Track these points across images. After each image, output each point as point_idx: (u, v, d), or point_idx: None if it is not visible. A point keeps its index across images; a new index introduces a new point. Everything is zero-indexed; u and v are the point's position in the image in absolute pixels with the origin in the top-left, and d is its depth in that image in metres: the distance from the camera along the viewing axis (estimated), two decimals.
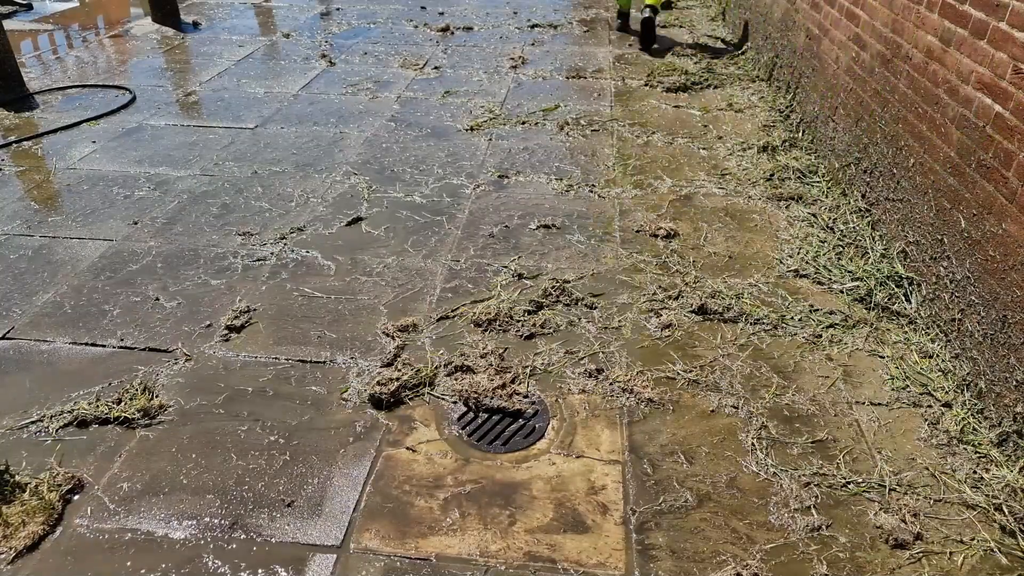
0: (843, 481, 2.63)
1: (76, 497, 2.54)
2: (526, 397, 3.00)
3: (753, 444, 2.78)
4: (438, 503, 2.53)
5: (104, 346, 3.27)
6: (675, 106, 6.06)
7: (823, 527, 2.45)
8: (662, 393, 3.03)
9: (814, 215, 4.32)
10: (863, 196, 4.19)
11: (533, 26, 8.42)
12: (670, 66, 6.80)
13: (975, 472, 2.64)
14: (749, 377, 3.12)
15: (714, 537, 2.42)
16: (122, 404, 2.90)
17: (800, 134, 5.33)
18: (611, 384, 3.07)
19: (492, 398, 2.96)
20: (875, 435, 2.84)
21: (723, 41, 7.62)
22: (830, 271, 3.78)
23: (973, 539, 2.41)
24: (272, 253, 3.98)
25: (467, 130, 5.60)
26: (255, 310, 3.51)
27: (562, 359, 3.22)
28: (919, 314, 3.40)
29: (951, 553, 2.37)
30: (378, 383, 3.01)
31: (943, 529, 2.45)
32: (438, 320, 3.46)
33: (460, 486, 2.60)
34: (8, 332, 3.35)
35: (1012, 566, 2.33)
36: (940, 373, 3.10)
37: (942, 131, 3.35)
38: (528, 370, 3.15)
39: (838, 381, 3.11)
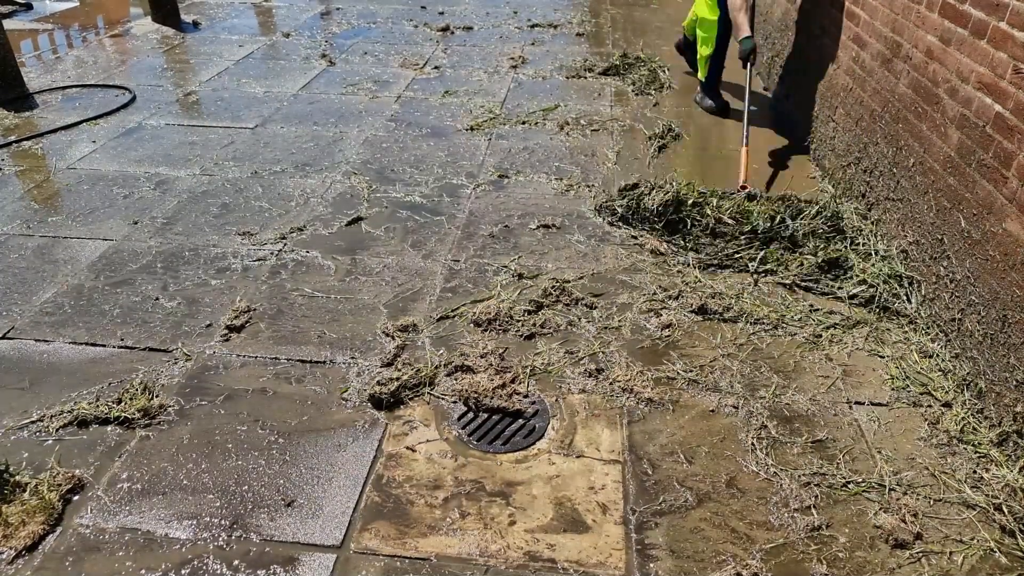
0: (843, 481, 2.63)
1: (76, 497, 2.54)
2: (526, 397, 3.00)
3: (753, 444, 2.78)
4: (438, 503, 2.53)
5: (104, 346, 3.27)
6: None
7: (823, 527, 2.45)
8: (662, 393, 3.03)
9: None
10: (863, 196, 4.19)
11: (533, 26, 8.42)
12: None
13: (975, 472, 2.64)
14: (749, 377, 3.12)
15: (714, 537, 2.42)
16: (122, 404, 2.90)
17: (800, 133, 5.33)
18: (611, 384, 3.07)
19: (492, 398, 2.96)
20: (875, 435, 2.84)
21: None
22: None
23: (973, 539, 2.41)
24: (272, 253, 3.98)
25: (467, 130, 5.60)
26: (255, 310, 3.51)
27: (562, 359, 3.22)
28: (919, 314, 3.40)
29: (951, 553, 2.37)
30: (378, 383, 3.01)
31: (943, 529, 2.45)
32: (438, 320, 3.46)
33: (460, 486, 2.60)
34: (8, 332, 3.35)
35: (1012, 566, 2.33)
36: (940, 373, 3.10)
37: (942, 131, 3.35)
38: (528, 370, 3.15)
39: (838, 381, 3.11)
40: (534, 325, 3.39)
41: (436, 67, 7.02)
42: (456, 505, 2.53)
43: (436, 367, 3.14)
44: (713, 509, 2.52)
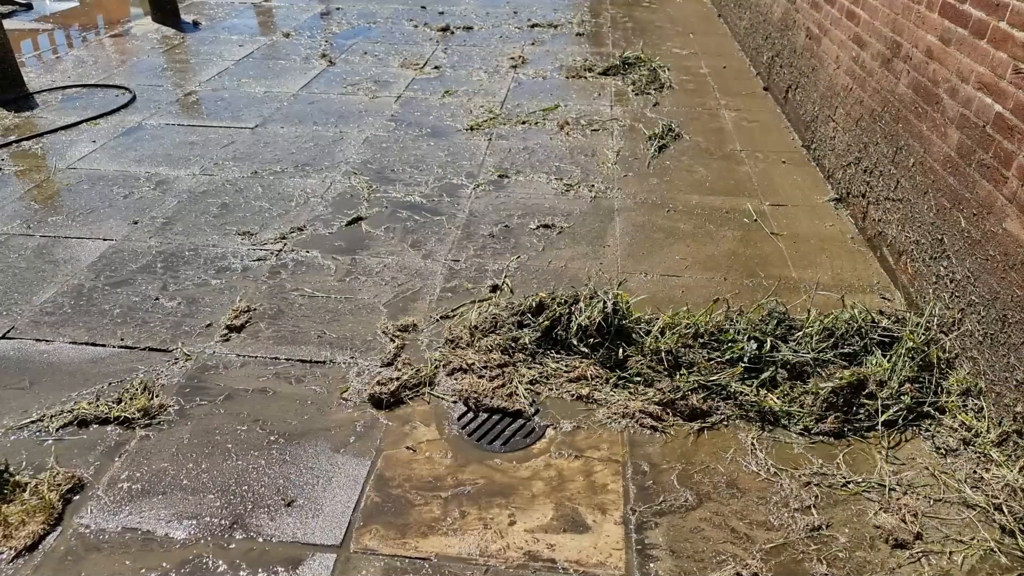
0: (843, 481, 2.63)
1: (76, 497, 2.53)
2: (526, 397, 3.00)
3: (753, 444, 2.78)
4: (438, 503, 2.53)
5: (104, 346, 3.27)
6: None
7: (823, 527, 2.45)
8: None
9: None
10: (863, 196, 4.19)
11: (533, 26, 8.42)
12: None
13: (975, 472, 2.64)
14: None
15: (714, 537, 2.42)
16: (122, 404, 2.90)
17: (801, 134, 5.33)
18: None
19: (492, 398, 2.96)
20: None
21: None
22: None
23: (973, 539, 2.41)
24: (272, 253, 3.98)
25: (467, 130, 5.60)
26: (255, 310, 3.51)
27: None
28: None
29: (951, 553, 2.37)
30: (378, 383, 3.01)
31: (943, 529, 2.45)
32: (438, 320, 3.46)
33: (460, 486, 2.60)
34: (8, 332, 3.34)
35: (1012, 566, 2.33)
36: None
37: (942, 131, 3.35)
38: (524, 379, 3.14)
39: None
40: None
41: (436, 67, 7.02)
42: (456, 505, 2.53)
43: (436, 367, 3.14)
44: (713, 509, 2.52)
